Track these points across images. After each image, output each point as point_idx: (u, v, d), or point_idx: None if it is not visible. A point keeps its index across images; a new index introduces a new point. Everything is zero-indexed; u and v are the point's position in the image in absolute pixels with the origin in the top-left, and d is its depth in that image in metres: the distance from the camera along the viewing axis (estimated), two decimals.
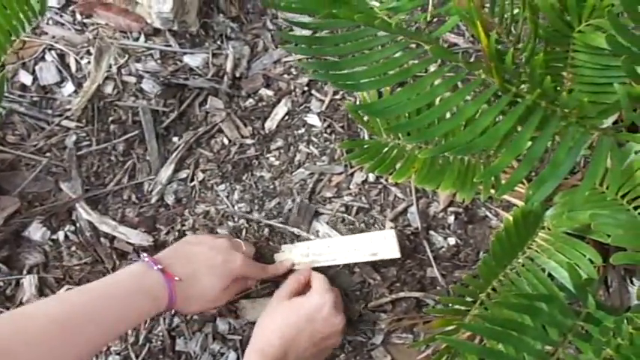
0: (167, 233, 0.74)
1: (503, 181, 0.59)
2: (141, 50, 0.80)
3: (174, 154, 0.77)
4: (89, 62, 0.79)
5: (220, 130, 0.78)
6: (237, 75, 0.80)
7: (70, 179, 0.76)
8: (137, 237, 0.73)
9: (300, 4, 0.47)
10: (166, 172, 0.76)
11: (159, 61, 0.80)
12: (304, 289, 0.66)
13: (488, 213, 0.72)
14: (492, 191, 0.58)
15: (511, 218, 0.54)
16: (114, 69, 0.79)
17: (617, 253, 0.43)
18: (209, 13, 0.82)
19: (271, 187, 0.76)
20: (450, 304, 0.57)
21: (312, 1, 0.47)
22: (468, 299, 0.55)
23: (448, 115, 0.48)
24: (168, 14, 0.77)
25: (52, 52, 0.81)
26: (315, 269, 0.69)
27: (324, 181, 0.75)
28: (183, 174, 0.77)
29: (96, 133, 0.78)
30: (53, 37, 0.81)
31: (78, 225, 0.75)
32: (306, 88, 0.78)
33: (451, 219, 0.72)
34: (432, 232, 0.71)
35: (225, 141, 0.78)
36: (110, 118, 0.78)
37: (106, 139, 0.78)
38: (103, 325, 0.56)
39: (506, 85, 0.46)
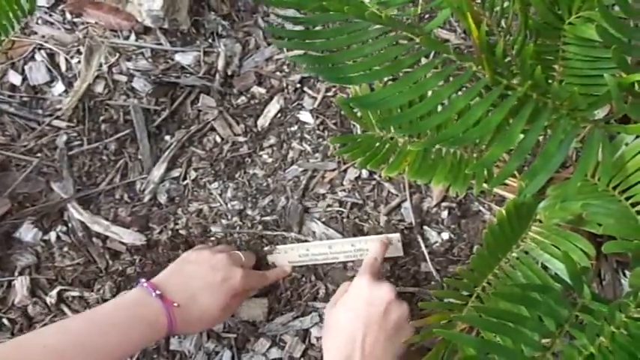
0: (160, 232, 0.74)
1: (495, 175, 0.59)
2: (132, 49, 0.80)
3: (167, 153, 0.76)
4: (79, 61, 0.79)
5: (212, 128, 0.78)
6: (229, 73, 0.79)
7: (62, 179, 0.75)
8: (130, 236, 0.73)
9: None
10: (159, 170, 0.76)
11: (150, 60, 0.80)
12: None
13: (481, 208, 0.72)
14: (485, 185, 0.58)
15: (504, 211, 0.54)
16: (104, 68, 0.79)
17: (608, 242, 0.43)
18: (200, 10, 0.82)
19: (264, 184, 0.75)
20: (446, 299, 0.57)
21: None
22: (464, 293, 0.55)
23: (440, 108, 0.48)
24: (159, 12, 0.77)
25: (42, 51, 0.80)
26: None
27: (317, 177, 0.75)
28: (175, 172, 0.76)
29: (87, 133, 0.77)
30: (43, 36, 0.81)
31: (70, 225, 0.74)
32: (298, 86, 0.78)
33: (444, 214, 0.72)
34: (425, 228, 0.71)
35: (218, 139, 0.77)
36: (101, 118, 0.78)
37: (97, 139, 0.77)
38: (101, 354, 0.56)
39: (497, 78, 0.46)
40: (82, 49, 0.79)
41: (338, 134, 0.75)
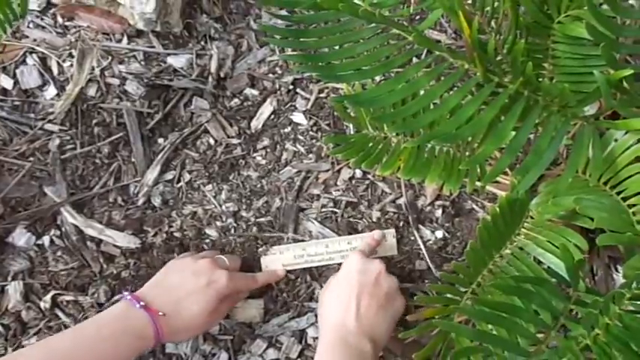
0: (154, 235, 0.74)
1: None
2: (124, 52, 0.80)
3: (160, 156, 0.76)
4: (71, 65, 0.79)
5: (206, 131, 0.78)
6: (222, 75, 0.79)
7: (55, 183, 0.75)
8: (124, 240, 0.73)
9: None
10: (152, 173, 0.76)
11: (142, 63, 0.80)
12: None
13: (474, 206, 0.72)
14: (478, 183, 0.59)
15: (497, 207, 0.55)
16: (97, 71, 0.78)
17: (602, 234, 0.44)
18: (192, 13, 0.82)
19: (258, 186, 0.75)
20: (442, 293, 0.57)
21: None
22: (460, 289, 0.55)
23: (433, 106, 0.49)
24: (151, 15, 0.77)
25: (34, 55, 0.80)
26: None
27: (311, 178, 0.75)
28: (169, 175, 0.76)
29: (80, 136, 0.77)
30: (34, 40, 0.81)
31: (63, 229, 0.74)
32: (291, 87, 0.78)
33: (438, 212, 0.72)
34: (419, 226, 0.72)
35: (211, 141, 0.77)
36: (94, 121, 0.77)
37: (90, 142, 0.77)
38: None
39: (489, 75, 0.46)
40: (74, 52, 0.79)
41: (331, 135, 0.76)
